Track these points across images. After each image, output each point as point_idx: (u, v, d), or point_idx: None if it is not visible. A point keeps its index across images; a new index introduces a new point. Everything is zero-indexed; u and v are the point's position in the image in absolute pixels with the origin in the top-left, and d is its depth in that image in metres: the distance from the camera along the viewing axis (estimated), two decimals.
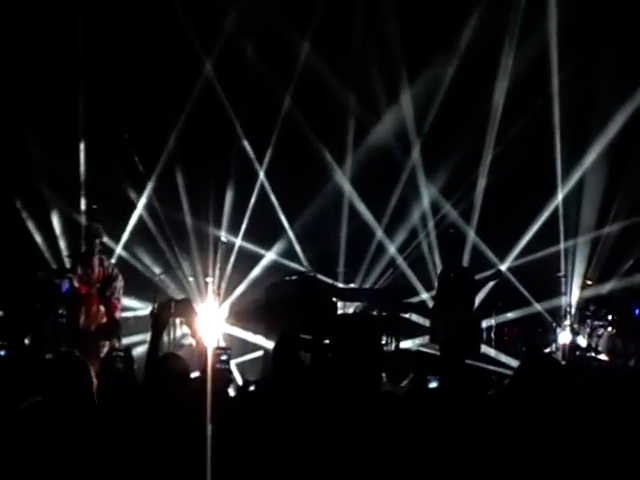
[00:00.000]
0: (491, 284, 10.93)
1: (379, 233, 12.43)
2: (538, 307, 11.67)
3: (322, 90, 11.99)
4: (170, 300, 5.38)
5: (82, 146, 12.23)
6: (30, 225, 12.17)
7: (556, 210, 11.87)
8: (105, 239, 9.66)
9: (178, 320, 9.34)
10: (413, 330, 11.37)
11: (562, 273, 11.63)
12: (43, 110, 11.70)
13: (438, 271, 11.20)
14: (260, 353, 10.93)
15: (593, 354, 10.27)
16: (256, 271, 12.33)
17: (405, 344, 11.10)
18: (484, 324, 11.12)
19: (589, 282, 11.43)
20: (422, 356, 10.53)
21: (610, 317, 10.49)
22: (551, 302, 11.56)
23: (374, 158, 12.24)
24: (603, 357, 10.19)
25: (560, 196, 11.83)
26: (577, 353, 10.43)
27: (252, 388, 6.29)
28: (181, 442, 4.26)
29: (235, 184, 12.53)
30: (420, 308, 11.50)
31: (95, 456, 4.12)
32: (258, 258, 12.39)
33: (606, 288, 11.21)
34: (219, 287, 11.40)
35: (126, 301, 10.18)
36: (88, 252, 9.52)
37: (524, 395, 4.15)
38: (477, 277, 10.36)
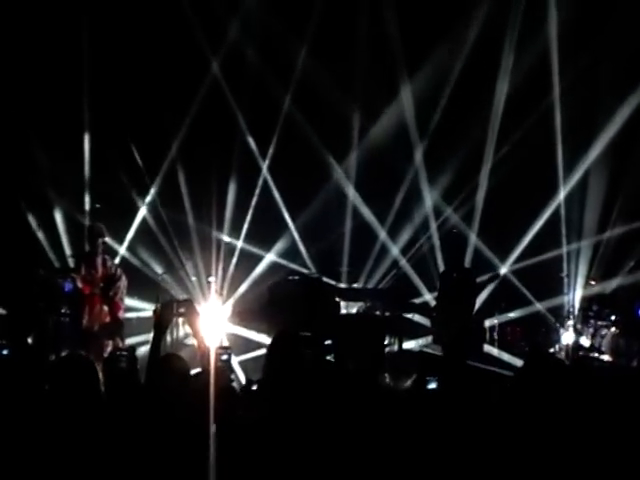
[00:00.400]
0: (491, 286, 10.96)
1: (382, 234, 12.44)
2: (541, 308, 11.67)
3: (324, 89, 11.99)
4: (172, 300, 5.38)
5: (86, 146, 12.25)
6: (34, 225, 12.19)
7: (558, 212, 11.89)
8: (107, 239, 9.65)
9: (180, 320, 9.35)
10: (416, 330, 11.39)
11: (565, 273, 11.65)
12: (47, 110, 11.71)
13: (440, 271, 11.22)
14: (263, 351, 10.91)
15: (596, 354, 10.27)
16: (259, 270, 12.35)
17: (408, 344, 11.11)
18: (487, 324, 11.13)
19: (592, 282, 11.44)
20: (425, 357, 10.54)
21: (613, 317, 10.50)
22: (554, 302, 11.57)
23: (376, 158, 12.24)
24: (606, 357, 10.18)
25: (562, 197, 11.85)
26: (580, 353, 10.43)
27: (255, 387, 6.29)
28: (183, 441, 4.26)
29: (237, 182, 12.54)
30: (423, 308, 11.51)
31: (100, 455, 4.13)
32: (261, 257, 12.41)
33: (609, 286, 11.23)
34: (222, 286, 11.41)
35: (129, 301, 10.18)
36: (91, 252, 9.51)
37: (527, 395, 4.14)
38: (477, 280, 10.37)
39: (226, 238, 11.94)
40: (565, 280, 11.58)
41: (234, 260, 12.20)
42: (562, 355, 10.41)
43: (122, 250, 11.98)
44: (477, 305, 10.37)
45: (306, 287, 10.90)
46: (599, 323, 10.61)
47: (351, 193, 12.54)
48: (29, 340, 9.54)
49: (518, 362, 9.83)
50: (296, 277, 11.48)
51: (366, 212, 12.51)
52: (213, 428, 4.23)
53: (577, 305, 11.27)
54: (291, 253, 12.54)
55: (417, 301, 11.71)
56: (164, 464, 4.22)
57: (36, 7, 11.65)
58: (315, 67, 12.00)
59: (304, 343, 5.02)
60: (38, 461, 4.08)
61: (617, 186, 11.69)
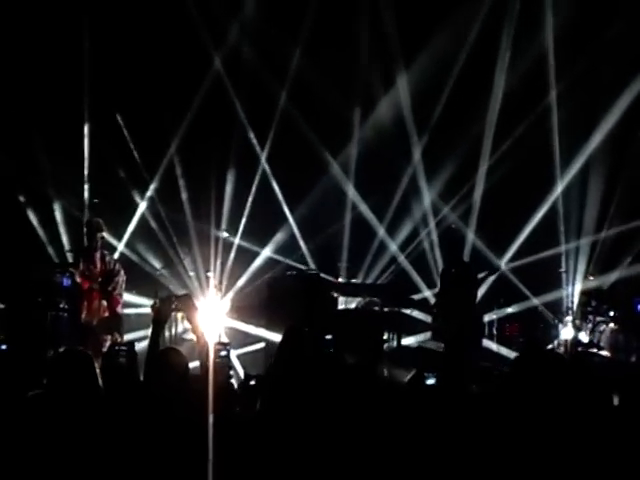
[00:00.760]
0: (491, 279, 10.98)
1: (381, 231, 12.46)
2: (540, 303, 11.68)
3: (321, 84, 11.97)
4: (171, 295, 5.38)
5: (86, 141, 12.26)
6: (33, 219, 12.19)
7: (556, 210, 11.91)
8: (105, 234, 9.63)
9: (179, 315, 9.35)
10: (415, 326, 11.40)
11: (563, 269, 11.66)
12: (46, 104, 11.69)
13: (439, 268, 11.22)
14: (262, 345, 10.94)
15: (595, 350, 10.27)
16: (257, 264, 12.35)
17: (407, 341, 11.11)
18: (486, 319, 11.14)
19: (591, 278, 11.46)
20: (423, 353, 10.54)
21: (612, 313, 10.52)
22: (552, 298, 11.59)
23: (375, 154, 12.25)
24: (605, 353, 10.19)
25: (560, 194, 11.87)
26: (579, 349, 10.43)
27: (253, 382, 6.29)
28: (181, 436, 4.26)
29: (235, 176, 12.54)
30: (422, 304, 11.52)
31: (98, 450, 4.13)
32: (259, 252, 12.41)
33: (608, 280, 11.25)
34: (220, 281, 11.41)
35: (127, 296, 10.17)
36: (90, 247, 9.50)
37: (521, 389, 4.14)
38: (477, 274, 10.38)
39: (224, 233, 11.94)
40: (563, 276, 11.60)
41: (232, 255, 12.20)
42: (561, 351, 10.42)
43: (120, 246, 11.98)
44: (477, 300, 10.37)
45: (304, 283, 10.90)
46: (598, 319, 10.62)
47: (351, 192, 12.54)
48: (27, 335, 9.56)
49: None
50: (294, 272, 11.49)
51: (364, 208, 12.52)
52: (211, 423, 4.22)
53: (576, 301, 11.29)
54: (289, 248, 12.54)
55: (416, 297, 11.71)
56: (162, 459, 4.22)
57: (37, 5, 11.65)
58: (313, 61, 11.98)
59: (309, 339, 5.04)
60: (36, 455, 4.08)
61: (615, 183, 11.70)
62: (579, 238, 11.85)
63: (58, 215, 12.23)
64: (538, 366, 4.18)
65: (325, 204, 12.32)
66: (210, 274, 11.08)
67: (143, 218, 12.41)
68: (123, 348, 6.72)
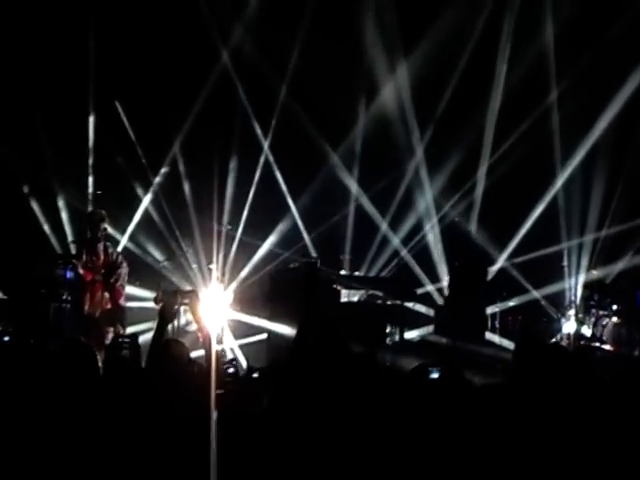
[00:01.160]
0: (493, 274, 11.01)
1: (384, 225, 12.46)
2: (542, 298, 11.69)
3: (324, 76, 11.95)
4: (177, 291, 5.37)
5: (90, 133, 12.26)
6: (37, 210, 12.21)
7: (557, 206, 11.92)
8: (107, 225, 9.60)
9: (182, 308, 9.35)
10: (417, 320, 11.40)
11: (565, 263, 11.66)
12: (51, 97, 11.70)
13: (441, 263, 11.25)
14: (264, 336, 10.95)
15: (598, 344, 10.27)
16: (259, 256, 12.36)
17: (410, 334, 11.12)
18: (489, 311, 11.15)
19: (594, 272, 11.46)
20: (426, 346, 10.56)
21: (615, 306, 10.52)
22: (555, 291, 11.59)
23: (377, 148, 12.25)
24: (608, 347, 10.19)
25: (561, 191, 11.87)
26: (582, 343, 10.44)
27: (256, 375, 6.28)
28: (183, 428, 4.26)
29: (238, 166, 12.54)
30: (424, 298, 11.52)
31: (99, 442, 4.13)
32: (261, 244, 12.42)
33: (612, 271, 11.25)
34: (223, 273, 11.41)
35: (130, 289, 10.17)
36: (93, 238, 9.47)
37: (524, 382, 4.14)
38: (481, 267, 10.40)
39: (227, 225, 11.95)
40: (566, 270, 11.60)
41: (234, 247, 12.20)
42: (564, 344, 10.41)
43: (124, 240, 11.98)
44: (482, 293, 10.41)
45: (304, 274, 10.89)
46: (600, 312, 10.63)
47: (354, 188, 12.55)
48: (30, 327, 9.55)
49: None
50: (297, 264, 11.49)
51: (366, 202, 12.52)
52: (214, 415, 4.23)
53: (579, 295, 11.29)
54: (292, 239, 12.54)
55: (419, 291, 11.72)
56: (163, 450, 4.22)
57: (43, 4, 11.66)
58: (315, 51, 11.94)
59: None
60: (38, 447, 4.08)
61: (617, 178, 11.70)
62: (581, 234, 11.85)
63: (61, 207, 12.24)
64: (539, 359, 4.17)
65: (328, 195, 12.33)
66: (212, 266, 11.07)
67: (146, 211, 12.42)
68: (126, 340, 6.70)
